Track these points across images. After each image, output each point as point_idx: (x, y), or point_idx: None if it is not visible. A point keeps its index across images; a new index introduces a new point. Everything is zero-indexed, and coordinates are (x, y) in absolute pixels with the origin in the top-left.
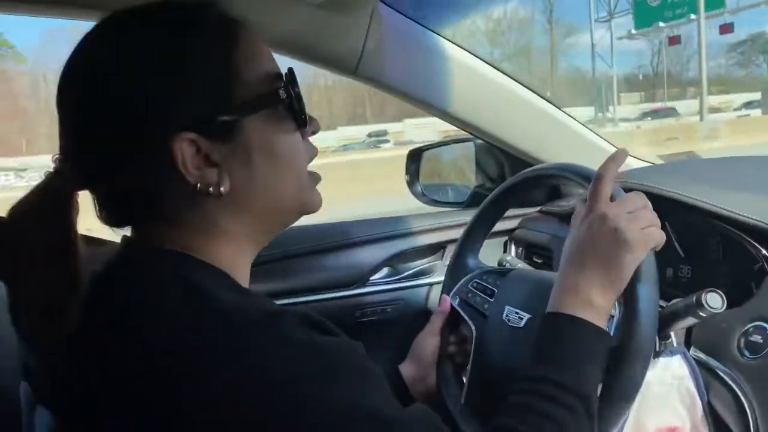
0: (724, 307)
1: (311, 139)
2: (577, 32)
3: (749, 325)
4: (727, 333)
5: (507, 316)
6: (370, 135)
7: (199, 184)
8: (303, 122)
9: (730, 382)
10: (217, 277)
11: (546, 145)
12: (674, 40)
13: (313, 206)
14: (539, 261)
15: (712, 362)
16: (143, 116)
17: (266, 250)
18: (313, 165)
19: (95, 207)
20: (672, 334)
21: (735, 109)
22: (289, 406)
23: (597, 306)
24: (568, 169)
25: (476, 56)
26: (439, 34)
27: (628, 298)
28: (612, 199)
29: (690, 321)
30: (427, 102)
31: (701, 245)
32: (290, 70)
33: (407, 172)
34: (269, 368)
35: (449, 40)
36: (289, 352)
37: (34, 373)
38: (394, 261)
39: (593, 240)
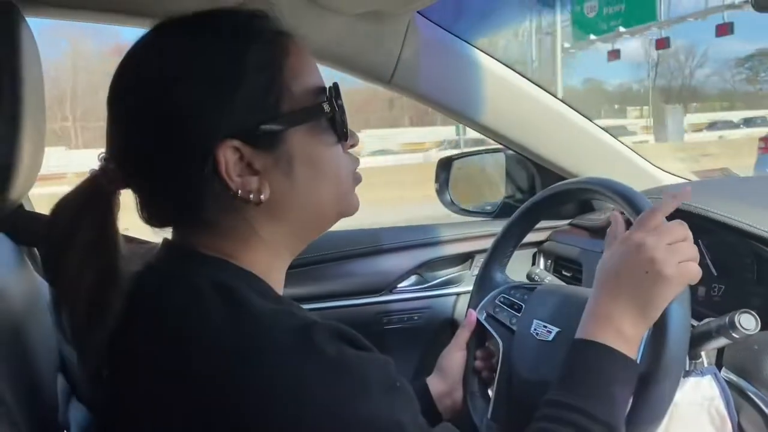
0: (758, 329)
1: None
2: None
3: None
4: (759, 355)
5: (535, 329)
6: None
7: (240, 191)
8: (344, 135)
9: (762, 405)
10: (253, 283)
11: (577, 158)
12: (662, 43)
13: (349, 211)
14: (568, 274)
15: (744, 384)
16: (191, 123)
17: (297, 255)
18: None
19: (137, 206)
20: (703, 353)
21: (732, 127)
22: (315, 420)
23: (628, 336)
24: (612, 188)
25: (510, 67)
26: (473, 45)
27: (659, 319)
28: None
29: (722, 342)
30: (459, 112)
31: (735, 264)
32: (335, 85)
33: (437, 180)
34: (299, 380)
35: (483, 51)
36: (319, 367)
37: (71, 368)
38: (421, 269)
39: (629, 268)
